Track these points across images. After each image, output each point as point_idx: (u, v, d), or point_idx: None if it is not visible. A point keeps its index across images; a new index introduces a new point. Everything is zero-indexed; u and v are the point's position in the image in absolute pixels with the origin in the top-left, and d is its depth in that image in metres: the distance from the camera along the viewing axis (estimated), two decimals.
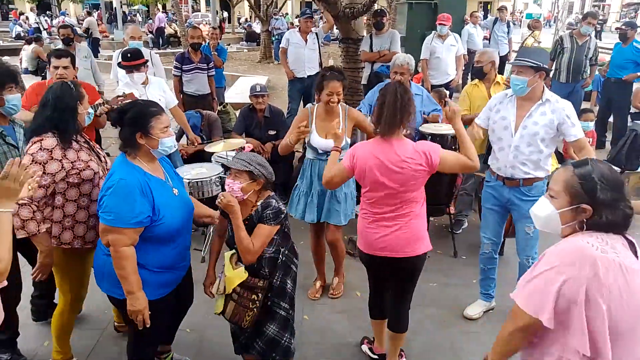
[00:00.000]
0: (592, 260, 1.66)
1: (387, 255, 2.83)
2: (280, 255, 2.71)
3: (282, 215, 2.64)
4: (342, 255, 4.05)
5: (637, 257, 1.73)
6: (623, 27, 7.33)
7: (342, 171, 2.89)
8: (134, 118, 2.47)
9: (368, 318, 3.26)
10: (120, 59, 4.78)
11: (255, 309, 2.62)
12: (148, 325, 2.49)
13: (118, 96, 4.02)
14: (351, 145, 4.00)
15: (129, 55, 4.66)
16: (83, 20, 20.52)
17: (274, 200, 2.65)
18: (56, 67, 3.96)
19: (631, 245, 1.75)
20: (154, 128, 2.47)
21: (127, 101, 3.93)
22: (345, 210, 3.76)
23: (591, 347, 1.68)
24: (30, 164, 2.57)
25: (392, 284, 3.02)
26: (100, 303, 3.72)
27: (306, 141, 3.78)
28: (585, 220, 1.77)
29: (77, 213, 2.79)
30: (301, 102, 7.60)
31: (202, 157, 5.19)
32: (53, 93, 2.75)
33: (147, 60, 4.89)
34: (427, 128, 4.64)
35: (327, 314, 3.84)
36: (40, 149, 2.63)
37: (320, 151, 3.71)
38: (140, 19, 33.02)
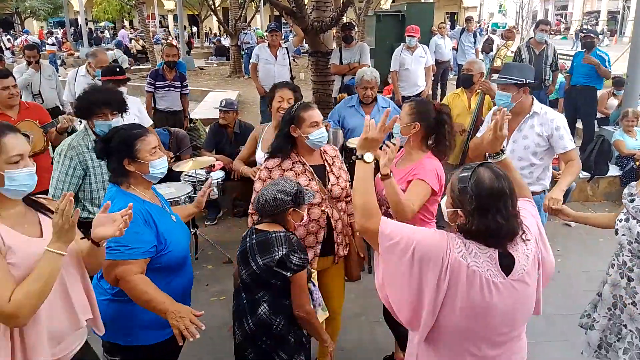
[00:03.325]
0: (445, 256, 1.68)
1: None
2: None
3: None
4: None
5: (506, 274, 1.68)
6: (591, 34, 7.21)
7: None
8: (118, 144, 2.26)
9: (347, 340, 3.14)
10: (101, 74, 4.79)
11: None
12: (204, 328, 2.10)
13: None
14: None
15: (117, 69, 4.74)
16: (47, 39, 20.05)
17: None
18: (6, 88, 3.95)
19: (505, 259, 1.70)
20: (141, 151, 2.26)
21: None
22: None
23: (413, 320, 1.75)
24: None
25: None
26: None
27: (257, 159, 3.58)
28: (458, 224, 1.74)
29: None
30: None
31: (170, 176, 5.03)
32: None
33: (129, 79, 4.90)
34: (351, 143, 4.23)
35: None
36: (266, 167, 2.79)
37: None
38: (108, 36, 32.56)
